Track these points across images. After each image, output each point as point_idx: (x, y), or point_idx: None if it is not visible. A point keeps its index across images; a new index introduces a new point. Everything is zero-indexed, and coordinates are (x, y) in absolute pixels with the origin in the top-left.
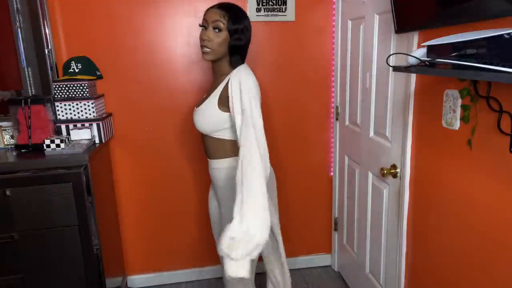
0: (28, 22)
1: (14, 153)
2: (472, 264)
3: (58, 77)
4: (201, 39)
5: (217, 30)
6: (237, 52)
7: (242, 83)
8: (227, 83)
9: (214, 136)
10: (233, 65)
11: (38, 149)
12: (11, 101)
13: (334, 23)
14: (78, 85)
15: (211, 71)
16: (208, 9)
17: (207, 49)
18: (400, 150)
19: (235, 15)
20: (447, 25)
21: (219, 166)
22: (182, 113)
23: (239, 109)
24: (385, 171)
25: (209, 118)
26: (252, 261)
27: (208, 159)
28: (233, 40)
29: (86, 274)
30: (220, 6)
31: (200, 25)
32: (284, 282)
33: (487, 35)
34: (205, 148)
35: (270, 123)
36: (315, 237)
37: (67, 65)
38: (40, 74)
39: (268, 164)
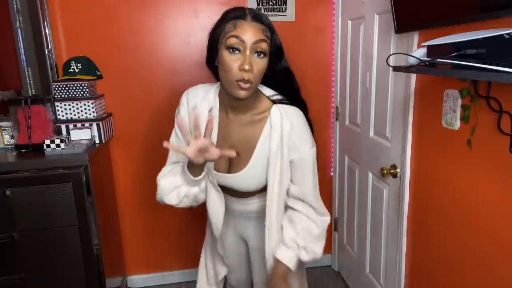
0: (28, 22)
1: (14, 153)
2: (472, 264)
3: (58, 77)
4: (239, 69)
5: (262, 56)
6: (284, 78)
7: (299, 129)
8: (268, 127)
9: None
10: (273, 98)
11: (38, 149)
12: (11, 101)
13: (334, 23)
14: (78, 85)
15: (224, 105)
16: (237, 21)
17: (249, 84)
18: (400, 150)
19: (272, 26)
20: (447, 25)
21: (262, 199)
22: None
23: (287, 160)
24: (385, 171)
25: (261, 175)
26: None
27: (241, 198)
28: (282, 63)
29: (86, 274)
30: (255, 17)
31: (229, 48)
32: None
33: (487, 35)
34: (239, 193)
35: None
36: None
37: (67, 65)
38: (40, 74)
39: None
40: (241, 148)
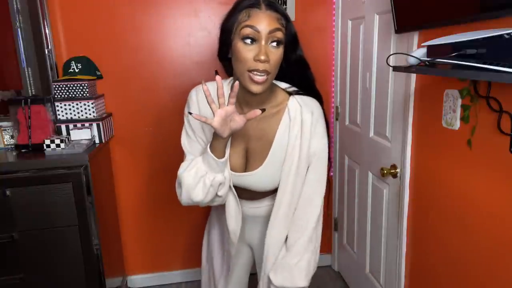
0: (28, 22)
1: (14, 153)
2: (472, 264)
3: (58, 77)
4: (254, 60)
5: (277, 45)
6: (299, 69)
7: (317, 119)
8: (286, 119)
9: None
10: (289, 90)
11: (38, 149)
12: (11, 101)
13: (334, 23)
14: (78, 85)
15: (239, 101)
16: (251, 10)
17: (265, 76)
18: (400, 150)
19: (287, 14)
20: (447, 25)
21: (273, 202)
22: (182, 113)
23: (306, 152)
24: (385, 171)
25: (279, 171)
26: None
27: (252, 201)
28: (298, 52)
29: (86, 274)
30: (269, 5)
31: (244, 38)
32: None
33: (487, 35)
34: (251, 194)
35: None
36: None
37: (67, 65)
38: (40, 74)
39: None
40: (258, 144)
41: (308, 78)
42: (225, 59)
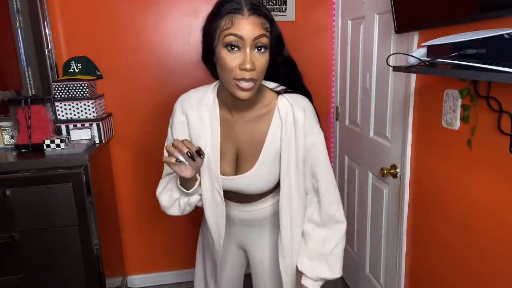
0: (28, 22)
1: (14, 153)
2: (472, 264)
3: (58, 77)
4: (240, 69)
5: (263, 50)
6: (286, 69)
7: (309, 116)
8: (277, 119)
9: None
10: (277, 90)
11: (38, 149)
12: (11, 101)
13: (334, 23)
14: (78, 85)
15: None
16: (233, 16)
17: (252, 83)
18: (400, 150)
19: (271, 16)
20: (447, 25)
21: (267, 205)
22: None
23: (301, 153)
24: (385, 171)
25: (272, 172)
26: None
27: (243, 204)
28: (284, 53)
29: (86, 274)
30: (252, 9)
31: (228, 45)
32: None
33: (487, 35)
34: (244, 197)
35: None
36: None
37: (67, 65)
38: (40, 74)
39: None
40: (249, 146)
41: (297, 77)
42: (210, 63)
